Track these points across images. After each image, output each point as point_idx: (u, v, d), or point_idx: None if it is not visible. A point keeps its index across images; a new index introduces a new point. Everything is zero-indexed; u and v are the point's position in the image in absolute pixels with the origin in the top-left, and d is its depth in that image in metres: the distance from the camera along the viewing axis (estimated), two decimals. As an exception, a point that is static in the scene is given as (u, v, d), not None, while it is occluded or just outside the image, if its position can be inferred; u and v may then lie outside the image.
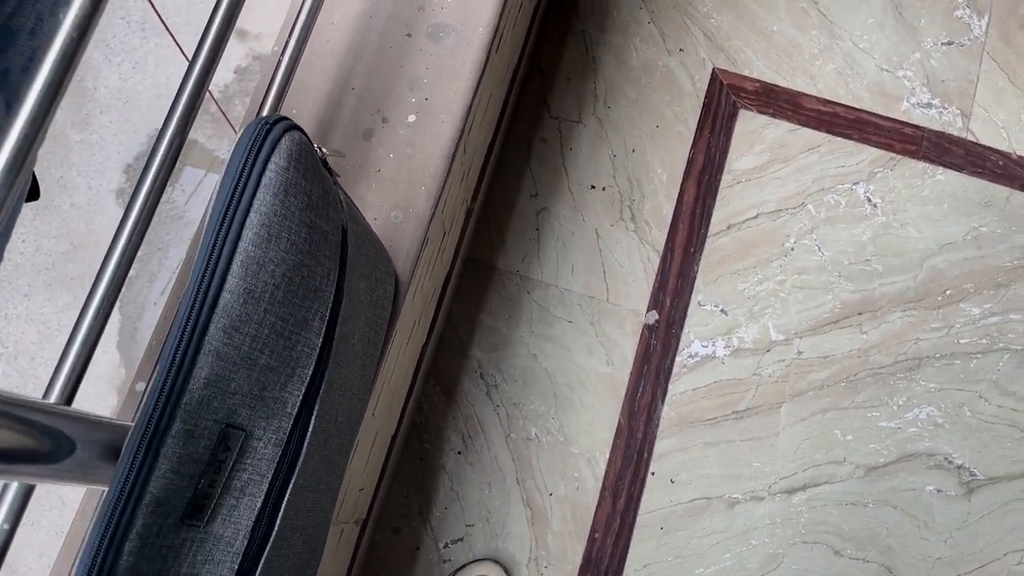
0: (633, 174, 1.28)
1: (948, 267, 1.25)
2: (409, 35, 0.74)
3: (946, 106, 1.31)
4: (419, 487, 1.19)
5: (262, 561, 0.45)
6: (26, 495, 0.43)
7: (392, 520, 1.18)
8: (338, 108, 0.72)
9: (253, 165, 0.41)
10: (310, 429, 0.47)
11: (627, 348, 1.23)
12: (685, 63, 1.32)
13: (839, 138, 1.29)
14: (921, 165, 1.28)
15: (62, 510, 1.25)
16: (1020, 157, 1.29)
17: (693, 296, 1.25)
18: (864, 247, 1.26)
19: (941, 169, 1.28)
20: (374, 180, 0.71)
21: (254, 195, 0.41)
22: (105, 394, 1.27)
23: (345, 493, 0.84)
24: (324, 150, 0.50)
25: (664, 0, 1.34)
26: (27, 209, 1.30)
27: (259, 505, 0.44)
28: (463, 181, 0.95)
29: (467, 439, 1.21)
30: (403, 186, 0.71)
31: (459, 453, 1.20)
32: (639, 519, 1.18)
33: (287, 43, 0.60)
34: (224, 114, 1.35)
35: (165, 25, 1.38)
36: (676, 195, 1.28)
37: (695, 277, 1.25)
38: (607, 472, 1.19)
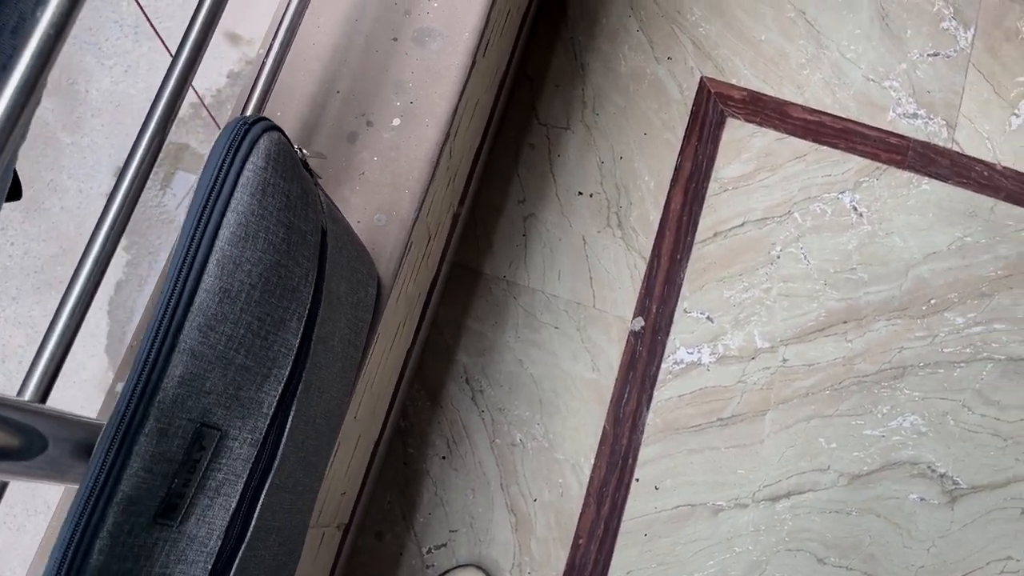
0: (620, 181, 1.29)
1: (933, 276, 1.26)
2: (395, 39, 0.75)
3: (932, 116, 1.32)
4: (403, 492, 1.19)
5: (236, 562, 0.44)
6: (-1, 492, 0.42)
7: (375, 525, 1.18)
8: (323, 111, 0.72)
9: (231, 164, 0.41)
10: (287, 430, 0.47)
11: (613, 354, 1.23)
12: (673, 71, 1.33)
13: (825, 147, 1.30)
14: (907, 175, 1.29)
15: (47, 515, 1.24)
16: (1005, 168, 1.30)
17: (679, 303, 1.25)
18: (850, 256, 1.27)
19: (926, 179, 1.29)
20: (358, 183, 0.71)
21: (231, 194, 0.41)
22: (93, 398, 1.26)
23: (327, 496, 0.84)
24: (305, 151, 0.50)
25: (653, 8, 1.35)
26: (16, 212, 1.29)
27: (234, 505, 0.44)
28: (449, 186, 0.95)
29: (452, 444, 1.20)
30: (387, 189, 0.71)
31: (443, 458, 1.20)
32: (623, 525, 1.18)
33: (272, 45, 0.61)
34: (214, 119, 1.35)
35: (155, 30, 1.38)
36: (663, 202, 1.28)
37: (681, 284, 1.26)
38: (591, 478, 1.19)
